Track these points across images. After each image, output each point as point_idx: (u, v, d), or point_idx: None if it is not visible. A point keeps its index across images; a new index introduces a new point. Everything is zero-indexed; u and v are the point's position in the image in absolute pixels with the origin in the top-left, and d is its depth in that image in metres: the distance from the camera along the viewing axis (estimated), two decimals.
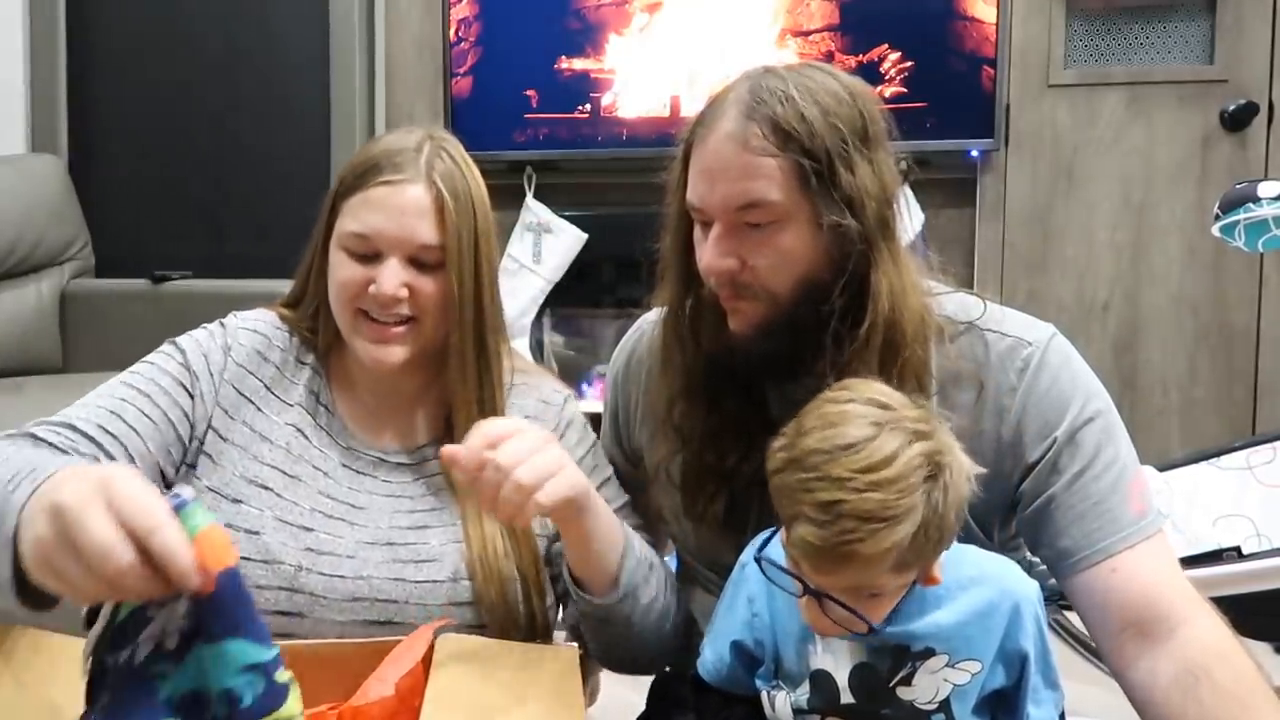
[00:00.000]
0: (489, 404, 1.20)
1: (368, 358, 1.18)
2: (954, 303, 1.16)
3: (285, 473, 1.17)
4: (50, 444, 1.07)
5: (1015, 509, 1.13)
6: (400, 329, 1.17)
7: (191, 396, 1.17)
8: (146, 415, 1.13)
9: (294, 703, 0.81)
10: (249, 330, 1.24)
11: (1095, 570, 1.07)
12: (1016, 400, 1.11)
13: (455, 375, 1.19)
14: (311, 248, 1.23)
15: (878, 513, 0.86)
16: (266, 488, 1.15)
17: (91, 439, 1.09)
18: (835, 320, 1.07)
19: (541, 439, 1.00)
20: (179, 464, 1.16)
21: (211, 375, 1.19)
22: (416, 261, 1.16)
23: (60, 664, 0.98)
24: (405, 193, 1.15)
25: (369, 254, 1.16)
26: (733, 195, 1.06)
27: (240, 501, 1.14)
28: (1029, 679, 0.98)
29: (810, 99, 1.05)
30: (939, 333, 1.12)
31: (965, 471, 0.91)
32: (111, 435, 1.10)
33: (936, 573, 0.94)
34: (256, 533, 1.12)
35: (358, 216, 1.15)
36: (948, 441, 0.91)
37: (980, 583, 0.98)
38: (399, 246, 1.15)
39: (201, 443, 1.17)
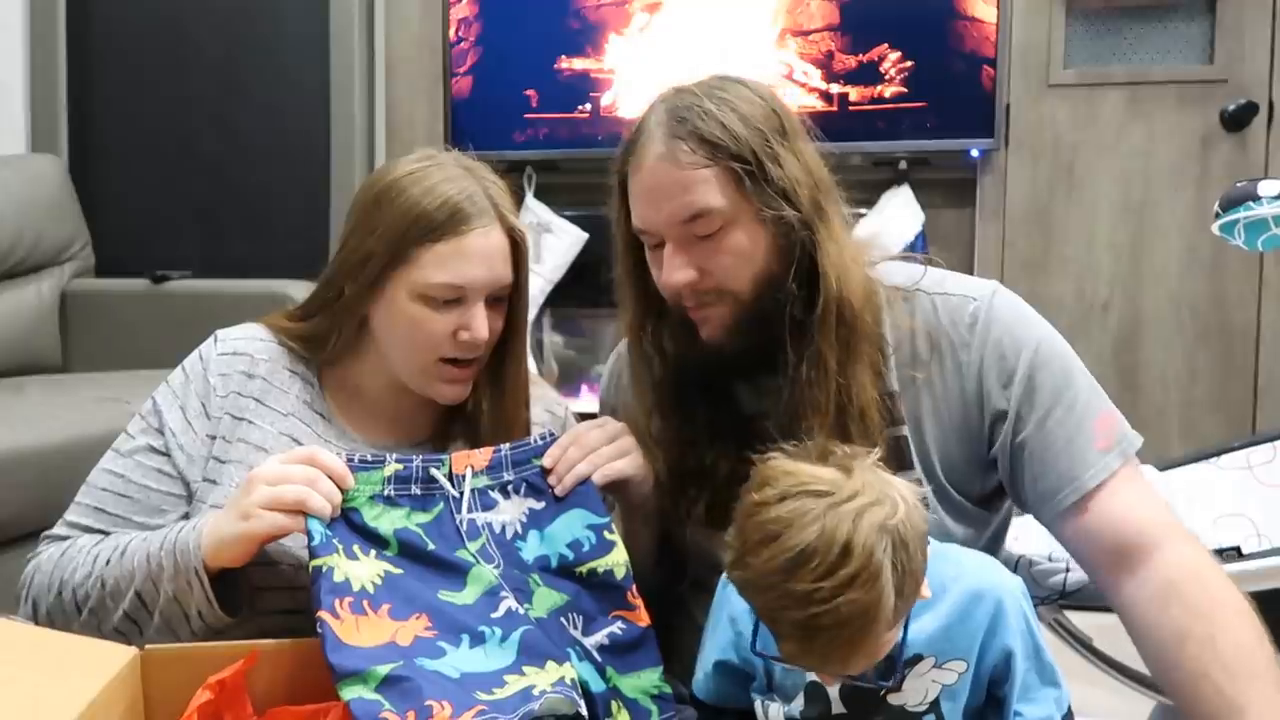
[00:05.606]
0: (513, 408, 1.24)
1: (440, 396, 1.20)
2: (897, 269, 1.20)
3: None
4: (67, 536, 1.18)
5: (995, 465, 1.16)
6: (474, 365, 1.20)
7: (170, 457, 1.20)
8: (135, 499, 1.19)
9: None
10: (229, 355, 1.24)
11: (1073, 509, 1.12)
12: (972, 354, 1.15)
13: (499, 387, 1.24)
14: (342, 282, 1.19)
15: (856, 614, 0.84)
16: None
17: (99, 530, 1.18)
18: (793, 307, 1.11)
19: (617, 428, 1.16)
20: (189, 497, 1.20)
21: (190, 425, 1.20)
22: (488, 299, 1.18)
23: (68, 662, 0.98)
24: (491, 238, 1.17)
25: (450, 300, 1.16)
26: (677, 211, 1.11)
27: None
28: (1015, 677, 0.98)
29: (726, 107, 1.11)
30: (887, 299, 1.16)
31: (913, 501, 0.89)
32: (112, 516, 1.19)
33: (924, 590, 0.93)
34: None
35: (448, 267, 1.14)
36: (885, 489, 0.88)
37: (960, 580, 0.99)
38: (485, 290, 1.17)
39: (203, 478, 1.20)
